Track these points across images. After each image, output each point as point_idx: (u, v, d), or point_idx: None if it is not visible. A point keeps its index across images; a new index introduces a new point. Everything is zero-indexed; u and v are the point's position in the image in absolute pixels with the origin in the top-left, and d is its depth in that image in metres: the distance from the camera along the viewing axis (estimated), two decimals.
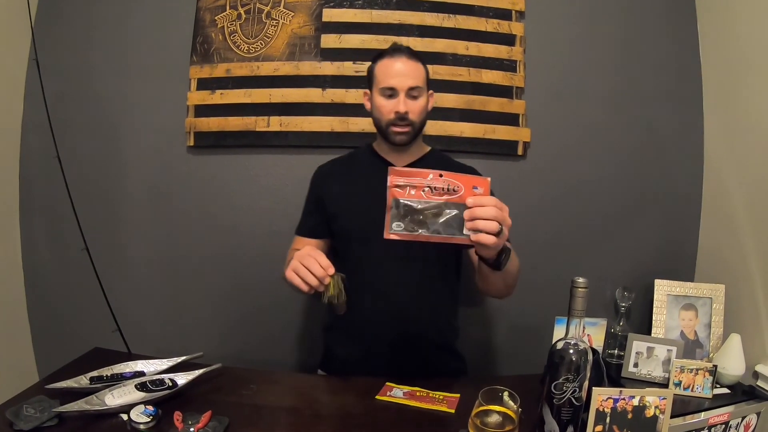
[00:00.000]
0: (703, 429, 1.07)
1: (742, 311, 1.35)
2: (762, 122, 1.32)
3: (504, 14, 1.57)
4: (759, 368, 1.24)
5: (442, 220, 0.82)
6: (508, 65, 1.57)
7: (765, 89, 1.32)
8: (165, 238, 1.60)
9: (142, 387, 0.94)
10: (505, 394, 0.77)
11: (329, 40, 1.55)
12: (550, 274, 1.42)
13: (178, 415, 0.85)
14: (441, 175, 0.82)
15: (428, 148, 1.28)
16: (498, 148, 1.57)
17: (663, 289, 1.42)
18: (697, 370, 1.16)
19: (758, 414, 1.16)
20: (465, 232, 0.82)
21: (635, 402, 0.78)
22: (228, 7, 1.56)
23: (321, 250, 1.13)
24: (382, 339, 1.15)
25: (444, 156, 1.30)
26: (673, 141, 1.60)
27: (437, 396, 1.01)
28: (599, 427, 0.79)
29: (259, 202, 1.59)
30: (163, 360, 1.08)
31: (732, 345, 1.23)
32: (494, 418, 0.75)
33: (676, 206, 1.61)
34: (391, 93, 1.13)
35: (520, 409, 0.76)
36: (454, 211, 0.82)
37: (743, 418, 1.13)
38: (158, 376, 0.99)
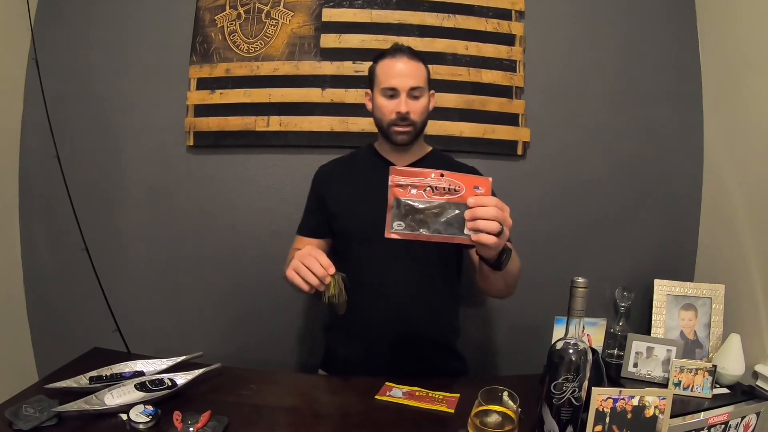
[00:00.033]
0: (702, 429, 1.07)
1: (742, 311, 1.35)
2: (762, 122, 1.32)
3: (504, 14, 1.57)
4: (758, 368, 1.24)
5: (443, 219, 0.82)
6: (507, 65, 1.57)
7: (765, 89, 1.32)
8: (164, 237, 1.60)
9: (141, 387, 0.94)
10: (505, 394, 0.77)
11: (329, 40, 1.55)
12: (549, 274, 1.42)
13: (177, 415, 0.85)
14: (442, 175, 0.82)
15: (429, 148, 1.28)
16: (497, 148, 1.57)
17: (662, 289, 1.42)
18: (697, 370, 1.16)
19: (758, 414, 1.16)
20: (466, 232, 0.82)
21: (635, 402, 0.78)
22: (228, 7, 1.56)
23: (322, 249, 1.13)
24: (382, 339, 1.15)
25: (445, 156, 1.30)
26: (672, 141, 1.60)
27: (437, 396, 1.01)
28: (599, 427, 0.78)
29: (258, 201, 1.59)
30: (163, 360, 1.08)
31: (731, 345, 1.23)
32: (494, 418, 0.75)
33: (676, 206, 1.61)
34: (392, 93, 1.13)
35: (519, 409, 0.76)
36: (455, 211, 0.82)
37: (743, 418, 1.13)
38: (157, 376, 0.99)
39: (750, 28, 1.37)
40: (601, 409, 0.78)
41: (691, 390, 1.16)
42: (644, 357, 1.26)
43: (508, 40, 1.57)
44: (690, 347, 1.37)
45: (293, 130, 1.55)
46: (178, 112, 1.57)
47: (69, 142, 1.52)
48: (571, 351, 0.76)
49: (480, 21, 1.57)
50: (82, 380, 0.97)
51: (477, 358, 1.31)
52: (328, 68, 1.55)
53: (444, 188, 0.82)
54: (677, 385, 1.17)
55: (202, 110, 1.57)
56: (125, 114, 1.59)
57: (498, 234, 0.81)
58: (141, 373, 1.03)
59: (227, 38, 1.56)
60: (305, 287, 0.93)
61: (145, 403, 0.89)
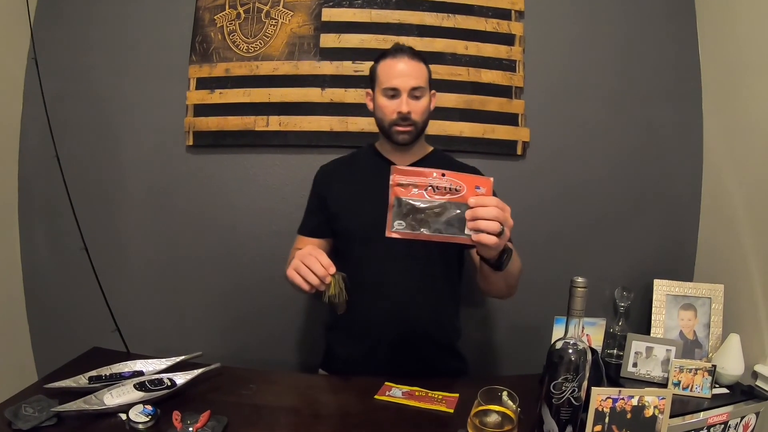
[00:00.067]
0: (702, 429, 1.07)
1: (741, 311, 1.35)
2: (762, 122, 1.32)
3: (503, 14, 1.57)
4: (758, 368, 1.24)
5: (443, 219, 0.82)
6: (507, 65, 1.57)
7: (765, 89, 1.32)
8: (164, 237, 1.60)
9: (140, 386, 0.94)
10: (504, 393, 0.77)
11: (328, 40, 1.55)
12: (549, 274, 1.42)
13: (176, 415, 0.85)
14: (443, 175, 0.82)
15: (431, 148, 1.28)
16: (497, 148, 1.57)
17: (662, 289, 1.42)
18: (696, 370, 1.16)
19: (757, 414, 1.16)
20: (466, 232, 0.82)
21: (634, 402, 0.78)
22: (227, 7, 1.56)
23: (323, 249, 1.13)
24: (383, 338, 1.15)
25: (446, 156, 1.30)
26: (672, 141, 1.60)
27: (436, 396, 1.01)
28: (598, 427, 0.78)
29: (258, 201, 1.58)
30: (162, 359, 1.08)
31: (731, 345, 1.23)
32: (493, 418, 0.75)
33: (676, 206, 1.61)
34: (393, 93, 1.13)
35: (519, 409, 0.76)
36: (456, 211, 0.82)
37: (742, 418, 1.13)
38: (157, 376, 0.99)
39: (750, 28, 1.37)
40: (600, 409, 0.78)
41: (691, 390, 1.17)
42: (644, 357, 1.27)
43: (507, 39, 1.57)
44: (689, 347, 1.37)
45: (293, 130, 1.55)
46: (177, 112, 1.57)
47: (68, 142, 1.52)
48: (570, 351, 0.76)
49: (480, 21, 1.57)
50: (81, 380, 0.97)
51: (476, 357, 1.31)
52: (328, 68, 1.55)
53: (445, 188, 0.82)
54: (677, 385, 1.17)
55: (202, 110, 1.57)
56: (125, 114, 1.59)
57: (499, 234, 0.81)
58: (140, 373, 1.03)
59: (227, 38, 1.56)
60: (306, 287, 0.93)
61: (144, 402, 0.89)
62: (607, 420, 0.78)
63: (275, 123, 1.55)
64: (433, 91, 1.20)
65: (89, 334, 1.34)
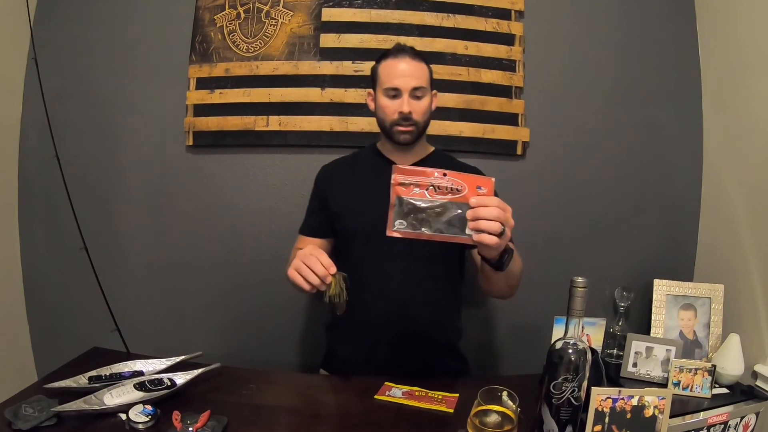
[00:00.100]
0: (702, 429, 1.07)
1: (741, 311, 1.35)
2: (762, 122, 1.32)
3: (503, 14, 1.57)
4: (758, 368, 1.24)
5: (444, 219, 0.82)
6: (507, 65, 1.57)
7: (765, 89, 1.32)
8: (163, 237, 1.60)
9: (140, 386, 0.94)
10: (504, 393, 0.77)
11: (328, 40, 1.55)
12: (549, 274, 1.42)
13: (176, 415, 0.85)
14: (445, 175, 0.82)
15: (432, 148, 1.28)
16: (497, 148, 1.57)
17: (662, 288, 1.42)
18: (696, 369, 1.16)
19: (757, 414, 1.16)
20: (468, 231, 0.82)
21: (634, 402, 0.78)
22: (227, 7, 1.56)
23: (324, 249, 1.13)
24: (384, 338, 1.15)
25: (448, 156, 1.30)
26: (672, 141, 1.60)
27: (436, 396, 1.01)
28: (598, 427, 0.78)
29: (258, 201, 1.58)
30: (162, 359, 1.07)
31: (731, 345, 1.23)
32: (493, 418, 0.75)
33: (676, 206, 1.61)
34: (395, 93, 1.13)
35: (519, 409, 0.76)
36: (457, 211, 0.82)
37: (742, 418, 1.13)
38: (157, 376, 0.99)
39: (750, 28, 1.37)
40: (600, 409, 0.78)
41: (691, 390, 1.17)
42: (643, 357, 1.26)
43: (507, 39, 1.57)
44: (689, 347, 1.37)
45: (293, 130, 1.55)
46: (177, 112, 1.57)
47: (68, 142, 1.52)
48: (570, 351, 0.76)
49: (479, 21, 1.57)
50: (81, 380, 0.97)
51: (476, 357, 1.31)
52: (328, 68, 1.55)
53: (446, 188, 0.82)
54: (676, 385, 1.17)
55: (202, 110, 1.57)
56: (125, 113, 1.59)
57: (500, 234, 0.81)
58: (140, 373, 1.03)
59: (227, 38, 1.56)
60: (306, 287, 0.93)
61: (144, 402, 0.89)
62: (607, 420, 0.78)
63: (275, 123, 1.55)
64: (434, 91, 1.20)
65: (89, 334, 1.34)
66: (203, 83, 1.57)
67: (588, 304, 0.77)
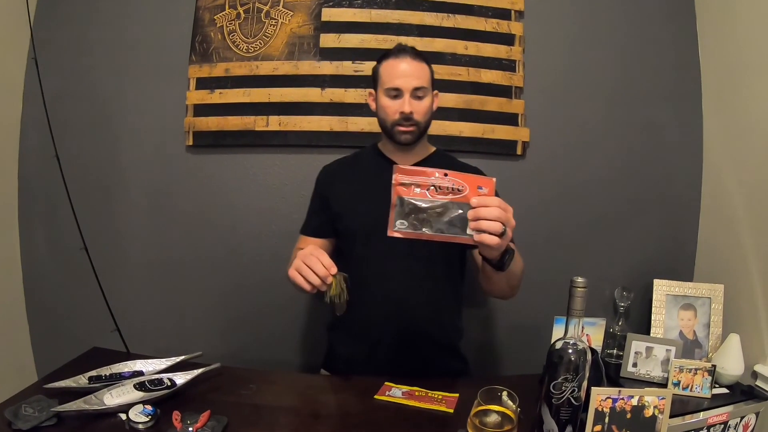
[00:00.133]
0: (702, 429, 1.07)
1: (741, 311, 1.35)
2: (762, 122, 1.32)
3: (503, 14, 1.57)
4: (758, 368, 1.24)
5: (445, 219, 0.82)
6: (507, 65, 1.57)
7: (765, 89, 1.31)
8: (163, 237, 1.60)
9: (140, 386, 0.94)
10: (504, 393, 0.77)
11: (328, 40, 1.55)
12: (549, 274, 1.42)
13: (176, 415, 0.85)
14: (446, 175, 0.82)
15: (433, 149, 1.28)
16: (497, 148, 1.57)
17: (662, 288, 1.42)
18: (696, 369, 1.16)
19: (757, 414, 1.16)
20: (468, 232, 0.82)
21: (634, 402, 0.78)
22: (227, 7, 1.56)
23: (325, 249, 1.13)
24: (385, 338, 1.15)
25: (449, 156, 1.30)
26: (672, 141, 1.60)
27: (436, 396, 1.01)
28: (598, 427, 0.78)
29: (258, 201, 1.58)
30: (162, 359, 1.07)
31: (731, 345, 1.23)
32: (493, 418, 0.75)
33: (676, 206, 1.61)
34: (396, 93, 1.13)
35: (519, 409, 0.76)
36: (458, 211, 0.82)
37: (742, 418, 1.13)
38: (157, 376, 0.99)
39: (750, 28, 1.37)
40: (600, 409, 0.78)
41: (691, 390, 1.17)
42: (643, 357, 1.27)
43: (507, 39, 1.57)
44: (689, 347, 1.37)
45: (293, 130, 1.55)
46: (177, 112, 1.57)
47: (68, 142, 1.52)
48: (570, 351, 0.76)
49: (479, 21, 1.57)
50: (81, 380, 0.97)
51: (476, 357, 1.31)
52: (328, 68, 1.55)
53: (447, 188, 0.82)
54: (676, 385, 1.17)
55: (202, 110, 1.57)
56: (124, 113, 1.59)
57: (501, 234, 0.81)
58: (140, 373, 1.03)
59: (227, 38, 1.56)
60: (307, 287, 0.93)
61: (144, 402, 0.89)
62: (606, 420, 0.78)
63: (275, 123, 1.55)
64: (435, 92, 1.20)
65: (89, 334, 1.34)
66: (203, 83, 1.57)
67: (588, 304, 0.77)
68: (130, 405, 0.88)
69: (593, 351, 0.81)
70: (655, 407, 0.79)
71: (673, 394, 0.81)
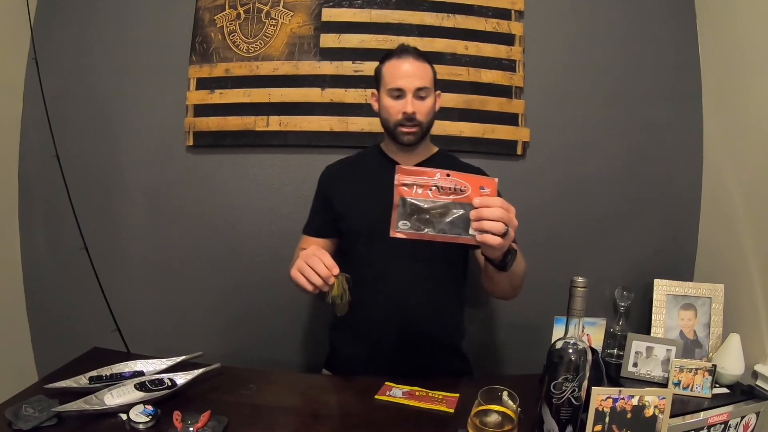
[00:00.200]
0: (702, 429, 1.07)
1: (742, 311, 1.35)
2: (762, 122, 1.32)
3: (503, 14, 1.57)
4: (758, 368, 1.24)
5: (448, 219, 0.82)
6: (507, 65, 1.57)
7: (765, 89, 1.32)
8: (164, 237, 1.60)
9: (141, 387, 0.94)
10: (505, 393, 0.77)
11: (328, 40, 1.55)
12: (549, 274, 1.42)
13: (177, 415, 0.85)
14: (448, 175, 0.82)
15: (436, 149, 1.28)
16: (497, 148, 1.57)
17: (662, 288, 1.42)
18: (697, 369, 1.16)
19: (757, 414, 1.16)
20: (471, 232, 0.82)
21: (634, 402, 0.78)
22: (227, 7, 1.56)
23: (328, 249, 1.13)
24: (387, 339, 1.15)
25: (451, 156, 1.30)
26: (672, 141, 1.60)
27: (436, 396, 1.01)
28: (598, 427, 0.79)
29: (258, 201, 1.58)
30: (162, 360, 1.07)
31: (731, 345, 1.23)
32: (493, 418, 0.75)
33: (676, 206, 1.61)
34: (398, 94, 1.13)
35: (519, 409, 0.76)
36: (461, 211, 0.82)
37: (742, 417, 1.13)
38: (157, 376, 0.99)
39: (750, 27, 1.37)
40: (600, 409, 0.78)
41: (691, 390, 1.17)
42: (644, 357, 1.27)
43: (507, 39, 1.57)
44: (689, 347, 1.37)
45: (293, 130, 1.55)
46: (177, 112, 1.57)
47: (68, 142, 1.52)
48: (570, 351, 0.76)
49: (479, 21, 1.57)
50: (81, 380, 0.97)
51: (477, 357, 1.31)
52: (328, 68, 1.55)
53: (450, 188, 0.82)
54: (677, 384, 1.17)
55: (202, 110, 1.57)
56: (125, 113, 1.59)
57: (503, 235, 0.81)
58: (141, 373, 1.03)
59: (227, 38, 1.56)
60: (309, 287, 0.93)
61: (144, 402, 0.89)
62: (607, 420, 0.78)
63: (275, 123, 1.55)
64: (438, 92, 1.20)
65: (89, 334, 1.34)
66: (203, 83, 1.57)
67: (588, 304, 0.77)
68: (131, 405, 0.88)
69: (593, 351, 0.81)
70: (655, 407, 0.79)
71: (673, 393, 0.81)
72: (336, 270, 0.92)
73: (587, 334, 1.31)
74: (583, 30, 1.60)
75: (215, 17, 1.56)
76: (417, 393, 1.02)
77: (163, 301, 1.61)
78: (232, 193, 1.59)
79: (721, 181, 1.51)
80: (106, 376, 1.00)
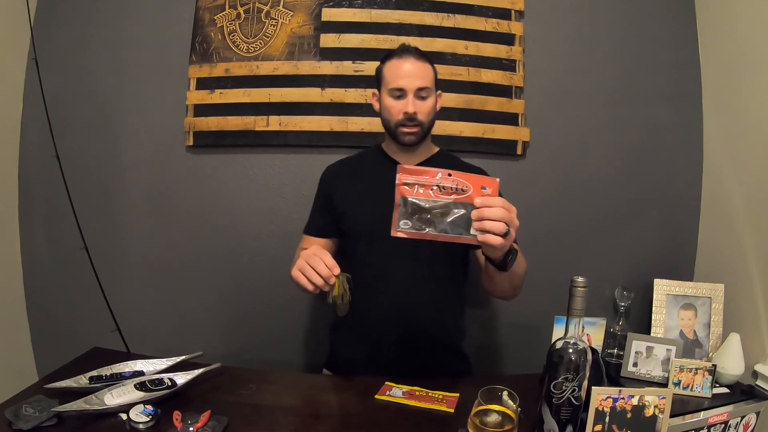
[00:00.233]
0: (702, 428, 1.07)
1: (742, 311, 1.35)
2: (761, 122, 1.32)
3: (503, 14, 1.57)
4: (758, 368, 1.24)
5: (449, 219, 0.82)
6: (507, 65, 1.57)
7: (765, 89, 1.32)
8: (164, 237, 1.60)
9: (141, 386, 0.94)
10: (505, 393, 0.77)
11: (328, 40, 1.55)
12: (549, 274, 1.42)
13: (177, 415, 0.85)
14: (450, 175, 0.82)
15: (437, 149, 1.28)
16: (497, 148, 1.57)
17: (662, 288, 1.43)
18: (697, 369, 1.16)
19: (757, 413, 1.16)
20: (472, 232, 0.82)
21: (634, 401, 0.78)
22: (227, 7, 1.56)
23: (329, 249, 1.14)
24: (388, 339, 1.15)
25: (453, 156, 1.30)
26: (672, 141, 1.60)
27: (436, 395, 1.01)
28: (598, 427, 0.79)
29: (258, 201, 1.58)
30: (162, 359, 1.08)
31: (731, 344, 1.23)
32: (493, 418, 0.75)
33: (676, 206, 1.61)
34: (399, 94, 1.13)
35: (519, 409, 0.76)
36: (462, 211, 0.82)
37: (742, 417, 1.13)
38: (157, 376, 0.99)
39: (750, 27, 1.37)
40: (600, 409, 0.78)
41: (691, 389, 1.17)
42: (644, 356, 1.27)
43: (507, 39, 1.57)
44: (690, 347, 1.37)
45: (293, 130, 1.55)
46: (177, 112, 1.57)
47: (68, 142, 1.52)
48: (570, 350, 0.77)
49: (479, 21, 1.57)
50: (81, 380, 0.97)
51: (476, 357, 1.31)
52: (328, 68, 1.55)
53: (451, 188, 0.82)
54: (677, 384, 1.17)
55: (202, 110, 1.57)
56: (125, 113, 1.59)
57: (504, 235, 0.81)
58: (141, 373, 1.03)
59: (227, 38, 1.56)
60: (310, 287, 0.93)
61: (144, 402, 0.89)
62: (607, 419, 0.78)
63: (275, 123, 1.55)
64: (439, 92, 1.20)
65: (89, 334, 1.34)
66: (203, 83, 1.57)
67: (588, 303, 0.77)
68: (131, 405, 0.88)
69: (593, 351, 0.81)
70: (655, 407, 0.79)
71: (673, 393, 0.81)
72: (337, 270, 0.92)
73: (587, 334, 1.31)
74: (583, 30, 1.60)
75: (215, 17, 1.56)
76: (417, 393, 1.02)
77: (163, 301, 1.61)
78: (232, 193, 1.59)
79: (721, 181, 1.51)
80: (106, 376, 1.00)
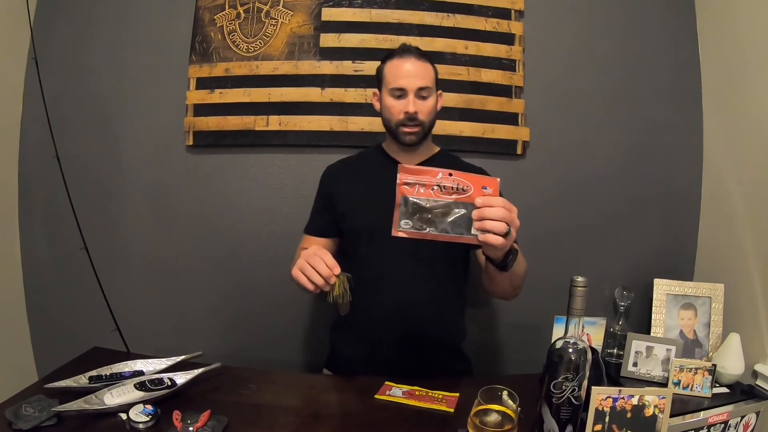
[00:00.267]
0: (702, 428, 1.07)
1: (741, 311, 1.35)
2: (761, 122, 1.32)
3: (503, 13, 1.57)
4: (758, 367, 1.24)
5: (450, 219, 0.82)
6: (507, 64, 1.57)
7: (765, 89, 1.32)
8: (164, 237, 1.60)
9: (141, 386, 0.94)
10: (505, 393, 0.77)
11: (328, 40, 1.55)
12: (549, 274, 1.42)
13: (177, 415, 0.85)
14: (450, 174, 0.82)
15: (437, 149, 1.28)
16: (497, 148, 1.57)
17: (662, 288, 1.42)
18: (697, 369, 1.16)
19: (757, 413, 1.16)
20: (473, 232, 0.82)
21: (634, 401, 0.78)
22: (227, 7, 1.56)
23: (329, 249, 1.13)
24: (388, 338, 1.15)
25: (453, 156, 1.30)
26: (672, 141, 1.60)
27: (436, 395, 1.01)
28: (598, 427, 0.79)
29: (258, 201, 1.58)
30: (162, 359, 1.07)
31: (731, 344, 1.23)
32: (493, 418, 0.75)
33: (676, 206, 1.61)
34: (400, 93, 1.13)
35: (519, 409, 0.76)
36: (463, 211, 0.82)
37: (742, 417, 1.13)
38: (157, 376, 0.99)
39: (750, 27, 1.37)
40: (600, 409, 0.78)
41: (691, 389, 1.17)
42: (644, 356, 1.27)
43: (507, 39, 1.57)
44: (689, 346, 1.37)
45: (293, 130, 1.55)
46: (177, 112, 1.57)
47: (68, 142, 1.52)
48: (570, 350, 0.76)
49: (479, 20, 1.57)
50: (81, 380, 0.97)
51: (476, 357, 1.31)
52: (328, 68, 1.55)
53: (452, 188, 0.82)
54: (677, 384, 1.17)
55: (202, 110, 1.57)
56: (125, 113, 1.59)
57: (505, 235, 0.81)
58: (140, 373, 1.03)
59: (227, 38, 1.56)
60: (310, 287, 0.93)
61: (144, 402, 0.89)
62: (607, 419, 0.78)
63: (275, 123, 1.55)
64: (439, 92, 1.20)
65: (89, 334, 1.34)
66: (203, 83, 1.57)
67: (588, 303, 0.77)
68: (131, 405, 0.88)
69: (593, 350, 0.81)
70: (655, 406, 0.79)
71: (673, 393, 0.81)
72: (337, 269, 0.92)
73: (587, 334, 1.31)
74: (583, 30, 1.60)
75: (215, 17, 1.56)
76: (417, 393, 1.02)
77: (163, 301, 1.61)
78: (232, 193, 1.59)
79: (721, 181, 1.51)
80: (105, 375, 1.00)
